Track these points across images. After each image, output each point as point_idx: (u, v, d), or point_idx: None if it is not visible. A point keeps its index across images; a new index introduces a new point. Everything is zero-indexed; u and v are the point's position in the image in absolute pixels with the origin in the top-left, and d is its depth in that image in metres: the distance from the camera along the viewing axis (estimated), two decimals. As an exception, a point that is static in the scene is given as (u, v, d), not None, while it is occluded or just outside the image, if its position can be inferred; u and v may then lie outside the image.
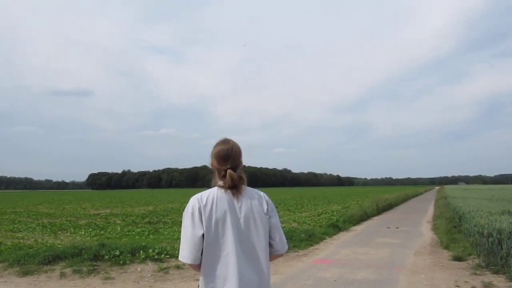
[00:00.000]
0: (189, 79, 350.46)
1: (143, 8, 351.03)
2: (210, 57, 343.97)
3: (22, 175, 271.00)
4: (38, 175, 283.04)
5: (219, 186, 2.19)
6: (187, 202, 2.16)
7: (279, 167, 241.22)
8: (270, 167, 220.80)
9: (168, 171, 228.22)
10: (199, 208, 2.09)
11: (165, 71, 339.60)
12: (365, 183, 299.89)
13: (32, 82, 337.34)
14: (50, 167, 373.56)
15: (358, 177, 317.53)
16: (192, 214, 2.09)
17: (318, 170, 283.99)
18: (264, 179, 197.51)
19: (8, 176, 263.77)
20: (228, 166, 2.23)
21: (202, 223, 2.06)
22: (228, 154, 2.30)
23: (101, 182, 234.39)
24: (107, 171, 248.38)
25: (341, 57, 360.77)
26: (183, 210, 2.19)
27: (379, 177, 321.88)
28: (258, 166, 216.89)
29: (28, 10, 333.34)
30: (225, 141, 2.38)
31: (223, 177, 2.22)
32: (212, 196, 2.16)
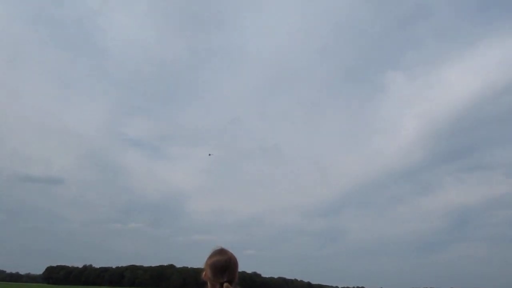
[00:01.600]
0: (164, 174, 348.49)
1: (124, 99, 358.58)
2: (188, 154, 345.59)
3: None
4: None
5: None
6: None
7: (249, 271, 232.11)
8: (239, 270, 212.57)
9: (132, 268, 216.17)
10: None
11: (140, 164, 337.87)
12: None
13: (2, 166, 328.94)
14: (4, 256, 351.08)
15: (329, 284, 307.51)
16: None
17: (288, 276, 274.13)
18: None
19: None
20: (225, 279, 2.06)
21: None
22: (225, 266, 2.13)
23: (58, 276, 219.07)
24: (67, 264, 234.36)
25: (317, 161, 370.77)
26: None
27: (350, 285, 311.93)
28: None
29: (5, 94, 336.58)
30: (222, 252, 2.22)
31: None
32: None
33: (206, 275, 2.21)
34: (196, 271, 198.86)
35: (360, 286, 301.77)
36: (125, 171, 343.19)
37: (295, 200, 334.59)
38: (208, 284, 2.22)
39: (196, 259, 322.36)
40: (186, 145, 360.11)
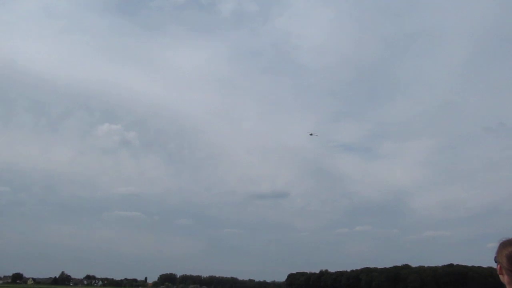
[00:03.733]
0: (381, 174, 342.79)
1: (327, 107, 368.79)
2: (402, 149, 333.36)
3: (229, 275, 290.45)
4: (242, 275, 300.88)
5: None
6: None
7: (495, 265, 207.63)
8: (484, 266, 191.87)
9: (367, 270, 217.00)
10: None
11: (356, 167, 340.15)
12: None
13: (235, 189, 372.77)
14: (252, 267, 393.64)
15: None
16: None
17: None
18: (478, 279, 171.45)
19: (217, 275, 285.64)
20: None
21: None
22: None
23: (299, 282, 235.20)
24: (305, 271, 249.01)
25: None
26: None
27: None
28: (469, 265, 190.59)
29: (230, 123, 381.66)
30: None
31: None
32: None
33: (504, 266, 2.09)
34: (434, 270, 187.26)
35: None
36: (342, 176, 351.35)
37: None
38: (506, 277, 2.11)
39: (431, 257, 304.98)
40: (398, 140, 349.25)
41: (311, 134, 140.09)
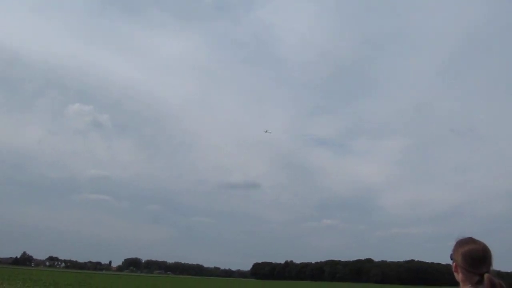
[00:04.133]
0: (353, 170, 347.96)
1: (304, 101, 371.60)
2: (374, 147, 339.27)
3: (195, 262, 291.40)
4: (208, 263, 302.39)
5: None
6: None
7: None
8: (443, 263, 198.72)
9: (331, 263, 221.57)
10: None
11: (328, 162, 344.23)
12: None
13: (207, 177, 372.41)
14: (219, 255, 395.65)
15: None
16: None
17: (503, 269, 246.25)
18: (437, 276, 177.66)
19: (183, 262, 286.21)
20: (484, 270, 1.96)
21: None
22: (484, 256, 2.02)
23: (264, 272, 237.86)
24: (271, 261, 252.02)
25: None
26: None
27: None
28: (429, 262, 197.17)
29: (206, 116, 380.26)
30: (474, 240, 2.11)
31: (477, 283, 1.95)
32: None
33: (459, 264, 2.13)
34: (396, 265, 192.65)
35: None
36: (314, 171, 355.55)
37: (503, 185, 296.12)
38: (460, 275, 2.13)
39: (395, 253, 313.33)
40: (372, 138, 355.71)
41: (266, 131, 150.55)
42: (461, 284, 2.14)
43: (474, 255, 2.00)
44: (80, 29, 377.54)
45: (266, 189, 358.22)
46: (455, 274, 2.27)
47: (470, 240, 2.16)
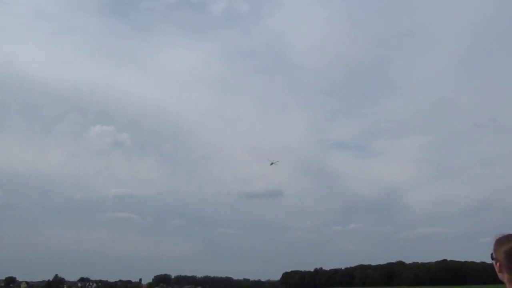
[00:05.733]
0: (374, 171, 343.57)
1: (321, 106, 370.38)
2: (395, 146, 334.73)
3: (223, 275, 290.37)
4: (237, 274, 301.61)
5: None
6: None
7: (488, 260, 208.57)
8: (477, 261, 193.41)
9: (361, 268, 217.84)
10: None
11: (349, 165, 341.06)
12: None
13: (229, 189, 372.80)
14: (247, 266, 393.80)
15: None
16: None
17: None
18: (472, 274, 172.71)
19: (212, 275, 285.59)
20: None
21: None
22: None
23: (294, 280, 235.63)
24: (300, 269, 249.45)
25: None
26: None
27: None
28: (462, 260, 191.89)
29: (224, 124, 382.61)
30: None
31: None
32: None
33: (502, 262, 2.04)
34: (428, 266, 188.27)
35: None
36: (336, 175, 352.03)
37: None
38: (506, 275, 2.04)
39: (425, 253, 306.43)
40: (391, 138, 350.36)
41: (271, 164, 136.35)
42: (507, 285, 2.06)
43: None
44: (93, 50, 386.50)
45: (289, 196, 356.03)
46: (500, 274, 2.17)
47: (511, 237, 2.07)
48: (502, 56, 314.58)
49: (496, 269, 2.19)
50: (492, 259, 2.23)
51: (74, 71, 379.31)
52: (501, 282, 2.26)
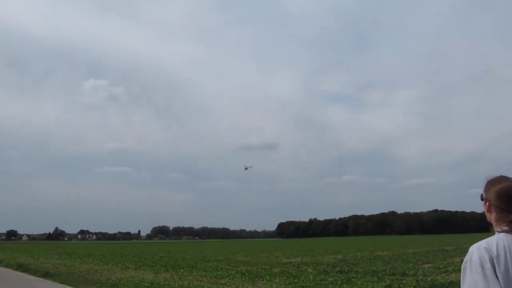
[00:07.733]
0: (367, 123, 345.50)
1: (315, 58, 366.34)
2: (388, 98, 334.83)
3: (220, 226, 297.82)
4: (233, 225, 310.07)
5: (506, 232, 1.89)
6: (467, 252, 1.86)
7: (478, 210, 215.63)
8: (467, 210, 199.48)
9: (355, 218, 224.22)
10: (490, 260, 1.76)
11: (343, 118, 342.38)
12: None
13: (224, 141, 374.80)
14: (243, 218, 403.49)
15: None
16: (482, 267, 1.76)
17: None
18: (461, 224, 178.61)
19: (209, 226, 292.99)
20: None
21: (497, 279, 1.73)
22: None
23: (289, 231, 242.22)
24: (295, 219, 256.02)
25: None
26: (463, 262, 1.87)
27: None
28: (453, 210, 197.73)
29: (217, 79, 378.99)
30: (506, 178, 2.09)
31: None
32: (502, 244, 1.84)
33: (492, 203, 2.06)
34: (419, 216, 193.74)
35: None
36: (330, 127, 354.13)
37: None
38: (494, 214, 2.08)
39: (417, 203, 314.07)
40: (385, 89, 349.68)
41: (246, 168, 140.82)
42: (494, 224, 2.08)
43: (510, 192, 1.96)
44: (83, 1, 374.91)
45: (283, 148, 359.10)
46: (487, 214, 2.21)
47: (502, 178, 2.09)
48: (497, 6, 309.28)
49: (485, 209, 2.22)
50: (482, 199, 2.23)
51: (63, 24, 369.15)
52: (489, 231, 2.29)
